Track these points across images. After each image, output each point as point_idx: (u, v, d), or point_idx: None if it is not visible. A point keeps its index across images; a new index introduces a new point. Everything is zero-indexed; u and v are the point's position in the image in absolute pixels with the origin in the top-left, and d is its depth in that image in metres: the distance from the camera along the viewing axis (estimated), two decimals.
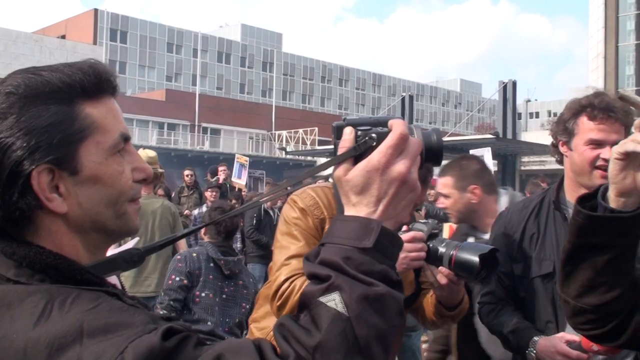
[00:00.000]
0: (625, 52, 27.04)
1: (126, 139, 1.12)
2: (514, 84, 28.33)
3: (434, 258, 2.07)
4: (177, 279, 4.20)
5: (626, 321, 1.48)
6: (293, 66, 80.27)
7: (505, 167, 26.44)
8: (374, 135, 1.05)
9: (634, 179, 1.39)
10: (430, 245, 2.09)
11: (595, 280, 1.46)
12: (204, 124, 53.36)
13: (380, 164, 1.01)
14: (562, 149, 2.54)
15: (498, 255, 2.12)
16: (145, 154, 6.11)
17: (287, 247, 2.31)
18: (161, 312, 4.06)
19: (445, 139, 29.36)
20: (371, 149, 1.03)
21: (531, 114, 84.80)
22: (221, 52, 76.06)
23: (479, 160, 3.57)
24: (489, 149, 12.76)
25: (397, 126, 1.03)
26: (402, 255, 1.97)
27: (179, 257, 4.38)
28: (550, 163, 28.90)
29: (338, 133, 1.09)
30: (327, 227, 2.34)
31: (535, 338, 2.45)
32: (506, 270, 2.64)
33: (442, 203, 3.41)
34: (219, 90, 73.41)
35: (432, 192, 8.50)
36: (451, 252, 2.03)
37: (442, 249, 2.06)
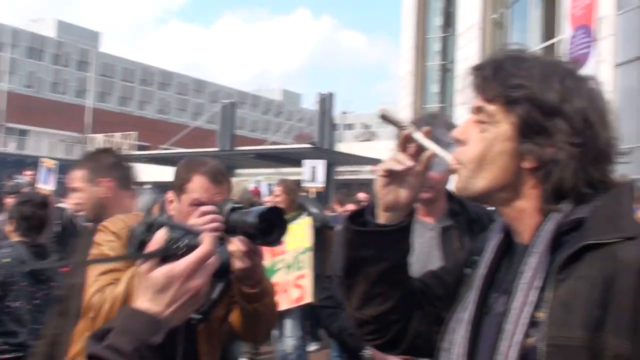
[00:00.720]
0: (431, 72, 28.96)
1: None
2: (331, 95, 29.39)
3: (231, 230, 2.17)
4: None
5: (404, 330, 1.55)
6: (112, 67, 76.86)
7: None
8: (184, 244, 1.18)
9: (396, 195, 1.47)
10: (228, 218, 2.19)
11: (370, 292, 1.51)
12: (11, 124, 49.68)
13: (183, 273, 1.14)
14: None
15: (282, 213, 2.17)
16: None
17: (98, 266, 2.37)
18: None
19: (265, 147, 29.83)
20: (178, 255, 1.16)
21: (347, 125, 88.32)
22: (33, 48, 71.10)
23: (117, 154, 3.33)
24: (325, 161, 12.93)
25: (207, 244, 1.17)
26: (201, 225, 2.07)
27: None
28: (363, 173, 30.24)
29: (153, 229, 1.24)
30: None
31: None
32: None
33: (74, 199, 3.15)
34: (29, 88, 68.29)
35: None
36: (239, 219, 2.14)
37: (234, 218, 2.15)
